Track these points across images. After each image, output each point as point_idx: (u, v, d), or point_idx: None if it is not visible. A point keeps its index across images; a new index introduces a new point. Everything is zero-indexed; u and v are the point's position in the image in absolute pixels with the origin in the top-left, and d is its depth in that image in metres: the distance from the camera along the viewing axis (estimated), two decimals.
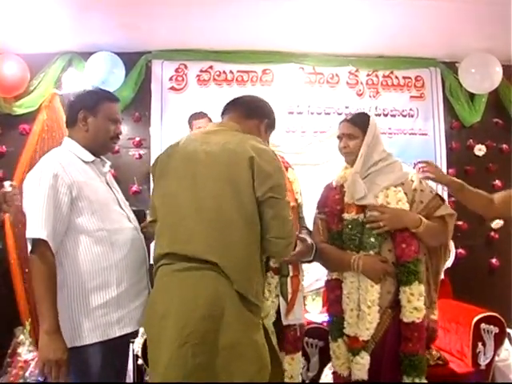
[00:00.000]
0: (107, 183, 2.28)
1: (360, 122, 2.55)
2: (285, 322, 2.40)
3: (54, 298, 1.97)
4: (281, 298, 2.40)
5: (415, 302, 2.39)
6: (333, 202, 2.56)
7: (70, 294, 2.05)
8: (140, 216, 2.39)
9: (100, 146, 2.30)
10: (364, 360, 2.39)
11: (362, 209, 2.47)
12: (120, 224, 2.19)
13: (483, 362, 3.27)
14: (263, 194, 1.87)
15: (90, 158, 2.23)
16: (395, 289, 2.45)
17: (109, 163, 2.37)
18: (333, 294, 2.53)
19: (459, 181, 2.51)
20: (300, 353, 2.49)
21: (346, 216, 2.49)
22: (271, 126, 2.27)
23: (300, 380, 2.53)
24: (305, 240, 2.42)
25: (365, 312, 2.38)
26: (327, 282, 2.59)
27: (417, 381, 2.38)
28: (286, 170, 2.49)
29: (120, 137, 2.37)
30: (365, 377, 2.38)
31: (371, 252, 2.42)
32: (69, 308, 2.04)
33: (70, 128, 2.31)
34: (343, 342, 2.47)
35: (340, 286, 2.50)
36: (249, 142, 1.95)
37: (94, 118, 2.25)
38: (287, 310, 2.40)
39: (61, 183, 2.05)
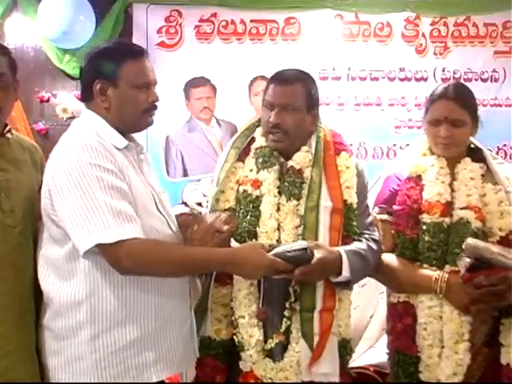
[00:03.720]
0: (142, 174, 2.04)
1: (468, 101, 2.30)
2: (306, 378, 2.04)
3: None
4: (302, 341, 2.03)
5: None
6: (408, 198, 2.29)
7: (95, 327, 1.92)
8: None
9: (131, 124, 2.01)
10: None
11: (449, 209, 2.23)
12: (161, 234, 1.95)
13: None
14: None
15: (123, 142, 1.97)
16: (493, 319, 2.21)
17: (142, 146, 2.16)
18: (401, 324, 2.24)
19: None
20: None
21: (425, 218, 2.23)
22: None
23: None
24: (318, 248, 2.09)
25: (451, 349, 2.13)
26: (391, 305, 2.30)
27: None
28: (338, 153, 2.25)
29: (157, 104, 2.07)
30: None
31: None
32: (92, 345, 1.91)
33: (87, 103, 2.04)
34: None
35: (411, 311, 2.23)
36: None
37: (115, 89, 1.96)
38: (311, 359, 2.03)
39: None
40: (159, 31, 4.10)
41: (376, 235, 2.29)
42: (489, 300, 2.15)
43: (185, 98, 4.10)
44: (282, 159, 2.19)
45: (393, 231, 2.33)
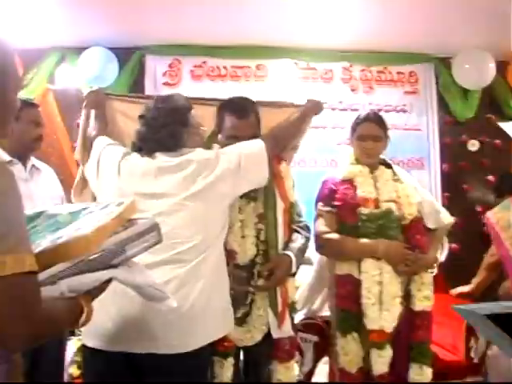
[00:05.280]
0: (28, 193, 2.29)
1: (383, 123, 2.59)
2: (275, 336, 2.27)
3: None
4: (269, 310, 2.26)
5: (425, 291, 2.46)
6: (346, 196, 2.52)
7: None
8: None
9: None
10: (389, 352, 2.39)
11: (377, 203, 2.49)
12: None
13: (476, 355, 3.27)
14: None
15: (5, 157, 2.18)
16: (406, 278, 2.49)
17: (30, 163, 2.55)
18: (344, 290, 2.48)
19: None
20: (294, 360, 2.36)
21: (363, 210, 2.48)
22: None
23: None
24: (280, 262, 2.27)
25: (389, 304, 2.38)
26: (337, 277, 2.51)
27: (424, 368, 2.45)
28: (279, 163, 2.38)
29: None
30: (386, 369, 2.39)
31: None
32: None
33: None
34: (353, 339, 2.43)
35: (352, 281, 2.45)
36: None
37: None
38: (279, 323, 2.26)
39: None
40: (164, 74, 4.63)
41: (306, 221, 2.49)
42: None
43: None
44: None
45: (335, 220, 2.52)
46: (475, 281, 3.47)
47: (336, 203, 2.53)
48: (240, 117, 2.27)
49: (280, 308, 2.25)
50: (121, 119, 2.44)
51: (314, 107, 2.50)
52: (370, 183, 2.53)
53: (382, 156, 2.66)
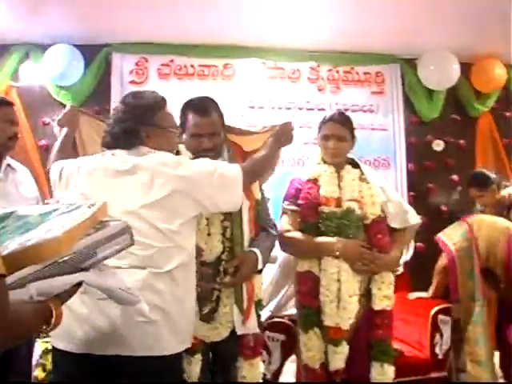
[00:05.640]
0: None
1: (348, 123, 2.61)
2: (239, 332, 2.29)
3: None
4: (234, 307, 2.27)
5: (385, 290, 2.49)
6: (309, 195, 2.56)
7: None
8: None
9: None
10: (345, 348, 2.42)
11: (339, 202, 2.52)
12: None
13: (440, 352, 3.33)
14: None
15: None
16: (367, 277, 2.52)
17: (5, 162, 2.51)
18: (305, 287, 2.52)
19: None
20: (259, 358, 2.37)
21: (324, 209, 2.51)
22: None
23: None
24: (249, 257, 2.30)
25: (346, 302, 2.41)
26: (299, 273, 2.56)
27: (385, 366, 2.48)
28: (243, 160, 2.34)
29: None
30: (342, 365, 2.43)
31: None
32: None
33: None
34: (315, 334, 2.46)
35: (312, 278, 2.49)
36: None
37: None
38: (243, 320, 2.28)
39: None
40: (131, 72, 4.60)
41: (273, 220, 2.53)
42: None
43: None
44: None
45: (299, 219, 2.56)
46: (432, 287, 3.70)
47: (300, 202, 2.57)
48: (202, 115, 2.29)
49: (245, 304, 2.28)
50: (97, 137, 2.41)
51: (285, 135, 2.42)
52: (333, 183, 2.56)
53: (351, 156, 2.69)
